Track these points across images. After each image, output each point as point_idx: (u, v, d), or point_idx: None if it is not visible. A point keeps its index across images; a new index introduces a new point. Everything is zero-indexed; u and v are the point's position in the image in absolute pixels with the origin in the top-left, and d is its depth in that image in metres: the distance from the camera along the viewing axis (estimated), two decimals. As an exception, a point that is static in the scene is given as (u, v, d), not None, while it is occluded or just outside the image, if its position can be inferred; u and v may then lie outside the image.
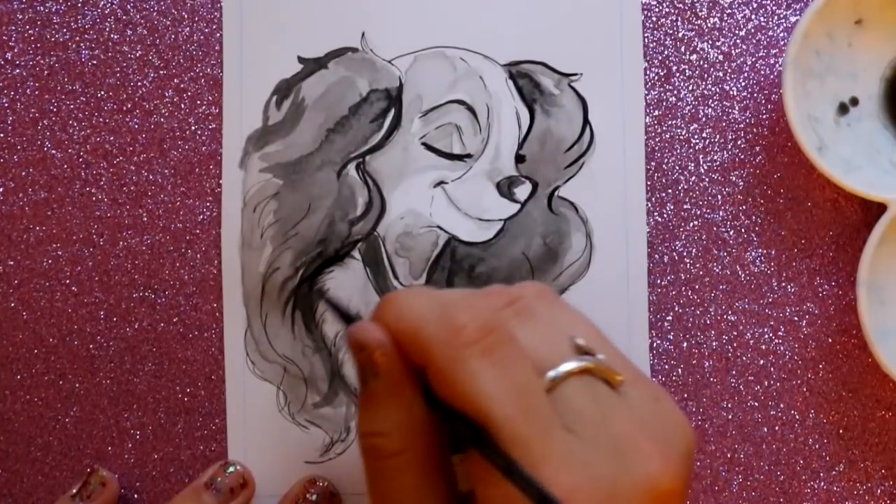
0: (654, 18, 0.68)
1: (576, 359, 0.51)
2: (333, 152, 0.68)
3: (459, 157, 0.67)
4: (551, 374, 0.50)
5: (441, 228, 0.67)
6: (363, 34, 0.68)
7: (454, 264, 0.67)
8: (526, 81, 0.68)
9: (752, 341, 0.67)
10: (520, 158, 0.67)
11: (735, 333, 0.67)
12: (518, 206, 0.67)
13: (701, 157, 0.68)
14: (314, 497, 0.66)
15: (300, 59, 0.68)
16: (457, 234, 0.67)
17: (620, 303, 0.67)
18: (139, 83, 0.68)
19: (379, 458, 0.51)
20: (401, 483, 0.51)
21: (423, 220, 0.67)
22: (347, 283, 0.67)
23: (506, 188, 0.67)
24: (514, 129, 0.67)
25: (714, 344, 0.67)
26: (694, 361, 0.67)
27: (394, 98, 0.68)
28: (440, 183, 0.67)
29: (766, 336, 0.67)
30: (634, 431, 0.49)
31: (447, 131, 0.67)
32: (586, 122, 0.67)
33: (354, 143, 0.67)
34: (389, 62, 0.68)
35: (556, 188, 0.67)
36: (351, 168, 0.67)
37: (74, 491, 0.67)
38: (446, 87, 0.68)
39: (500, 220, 0.67)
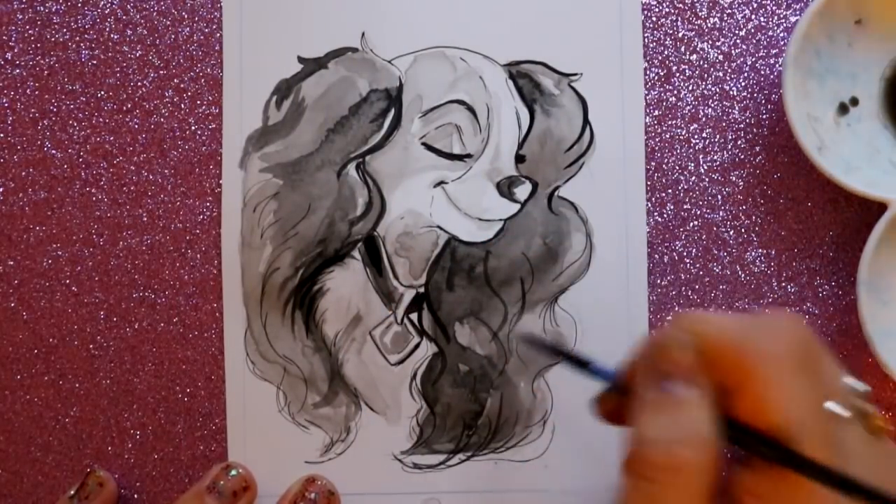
0: (654, 18, 0.68)
1: (854, 399, 0.52)
2: (333, 152, 0.68)
3: (459, 157, 0.67)
4: (838, 409, 0.50)
5: (441, 228, 0.67)
6: (363, 34, 0.68)
7: (454, 264, 0.67)
8: (526, 81, 0.68)
9: (752, 341, 0.67)
10: (520, 158, 0.67)
11: (735, 333, 0.67)
12: (518, 206, 0.67)
13: (701, 157, 0.68)
14: (313, 496, 0.66)
15: (300, 59, 0.68)
16: (457, 234, 0.67)
17: (620, 302, 0.67)
18: (139, 83, 0.68)
19: (672, 469, 0.48)
20: (681, 500, 0.48)
21: (423, 220, 0.67)
22: (347, 283, 0.67)
23: (506, 188, 0.67)
24: (514, 129, 0.67)
25: (714, 344, 0.67)
26: (694, 361, 0.67)
27: (394, 98, 0.68)
28: (440, 183, 0.67)
29: (766, 336, 0.67)
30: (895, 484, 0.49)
31: (447, 131, 0.67)
32: (586, 121, 0.67)
33: (354, 143, 0.67)
34: (389, 62, 0.68)
35: (556, 188, 0.67)
36: (351, 168, 0.67)
37: (73, 492, 0.67)
38: (446, 87, 0.68)
39: (500, 220, 0.67)
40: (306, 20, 0.68)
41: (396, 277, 0.67)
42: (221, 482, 0.66)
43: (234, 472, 0.66)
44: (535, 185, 0.67)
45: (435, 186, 0.67)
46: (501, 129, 0.67)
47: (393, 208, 0.67)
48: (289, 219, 0.67)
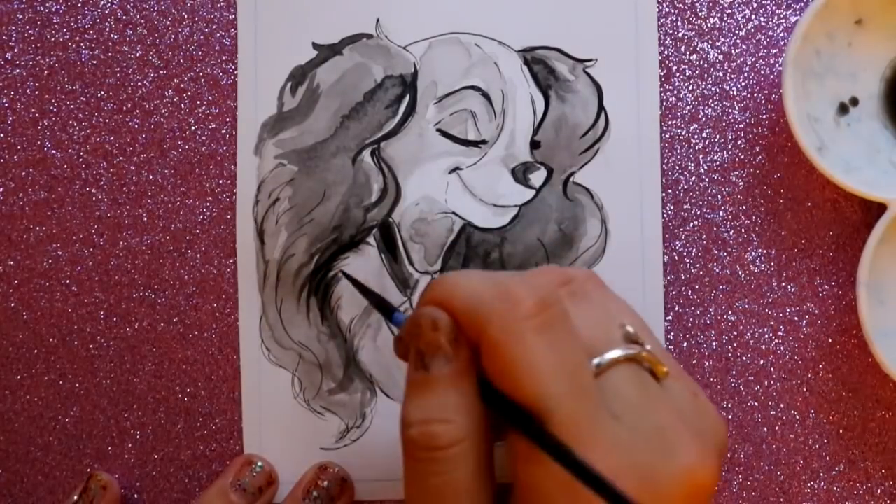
0: (654, 18, 0.68)
1: (625, 346, 0.52)
2: (348, 138, 0.68)
3: (474, 144, 0.67)
4: (600, 359, 0.51)
5: (456, 214, 0.67)
6: (378, 20, 0.68)
7: (469, 250, 0.67)
8: (541, 67, 0.68)
9: (752, 341, 0.67)
10: (535, 144, 0.67)
11: (735, 333, 0.67)
12: (533, 191, 0.67)
13: (701, 157, 0.68)
14: (325, 483, 0.66)
15: (315, 46, 0.68)
16: (472, 220, 0.67)
17: (636, 288, 0.67)
18: (139, 83, 0.68)
19: (435, 448, 0.50)
20: (454, 477, 0.50)
21: (438, 206, 0.67)
22: (362, 269, 0.67)
23: (521, 174, 0.67)
24: (529, 115, 0.68)
25: (714, 344, 0.67)
26: (694, 361, 0.67)
27: (409, 84, 0.68)
28: (455, 169, 0.67)
29: (766, 336, 0.67)
30: (677, 423, 0.50)
31: (462, 117, 0.67)
32: (601, 107, 0.67)
33: (369, 130, 0.68)
34: (404, 48, 0.68)
35: (572, 174, 0.67)
36: (366, 154, 0.67)
37: (76, 498, 0.66)
38: (461, 74, 0.68)
39: (516, 206, 0.67)
40: (321, 6, 0.68)
41: (412, 264, 0.67)
42: (246, 478, 0.65)
43: (258, 468, 0.66)
44: (550, 171, 0.67)
45: (450, 172, 0.68)
46: (516, 115, 0.68)
47: (408, 194, 0.67)
48: (304, 205, 0.67)
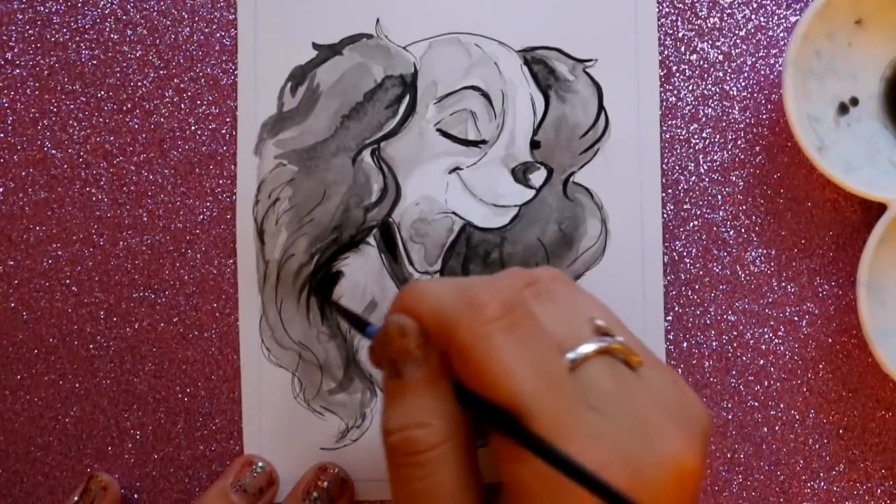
0: (654, 18, 0.68)
1: (596, 339, 0.52)
2: (348, 138, 0.68)
3: (474, 143, 0.67)
4: (572, 354, 0.51)
5: (456, 214, 0.67)
6: (378, 20, 0.68)
7: (469, 250, 0.67)
8: (541, 67, 0.68)
9: (752, 341, 0.67)
10: (535, 144, 0.68)
11: (735, 333, 0.67)
12: (533, 191, 0.67)
13: (701, 157, 0.68)
14: (325, 484, 0.66)
15: (315, 46, 0.68)
16: (472, 220, 0.67)
17: (636, 288, 0.67)
18: (139, 83, 0.68)
19: (416, 453, 0.50)
20: (437, 480, 0.50)
21: (438, 206, 0.67)
22: (362, 269, 0.67)
23: (521, 174, 0.67)
24: (529, 115, 0.68)
25: (714, 344, 0.67)
26: (694, 361, 0.67)
27: (409, 84, 0.68)
28: (455, 169, 0.67)
29: (766, 336, 0.67)
30: (657, 411, 0.50)
31: (462, 117, 0.67)
32: (601, 107, 0.67)
33: (369, 130, 0.68)
34: (404, 48, 0.68)
35: (572, 174, 0.67)
36: (366, 154, 0.67)
37: (76, 498, 0.66)
38: (461, 74, 0.68)
39: (516, 206, 0.67)
40: (321, 6, 0.68)
41: (412, 263, 0.67)
42: (246, 479, 0.65)
43: (259, 468, 0.66)
44: (550, 171, 0.67)
45: (450, 172, 0.68)
46: (516, 115, 0.68)
47: (408, 194, 0.67)
48: (304, 205, 0.67)
